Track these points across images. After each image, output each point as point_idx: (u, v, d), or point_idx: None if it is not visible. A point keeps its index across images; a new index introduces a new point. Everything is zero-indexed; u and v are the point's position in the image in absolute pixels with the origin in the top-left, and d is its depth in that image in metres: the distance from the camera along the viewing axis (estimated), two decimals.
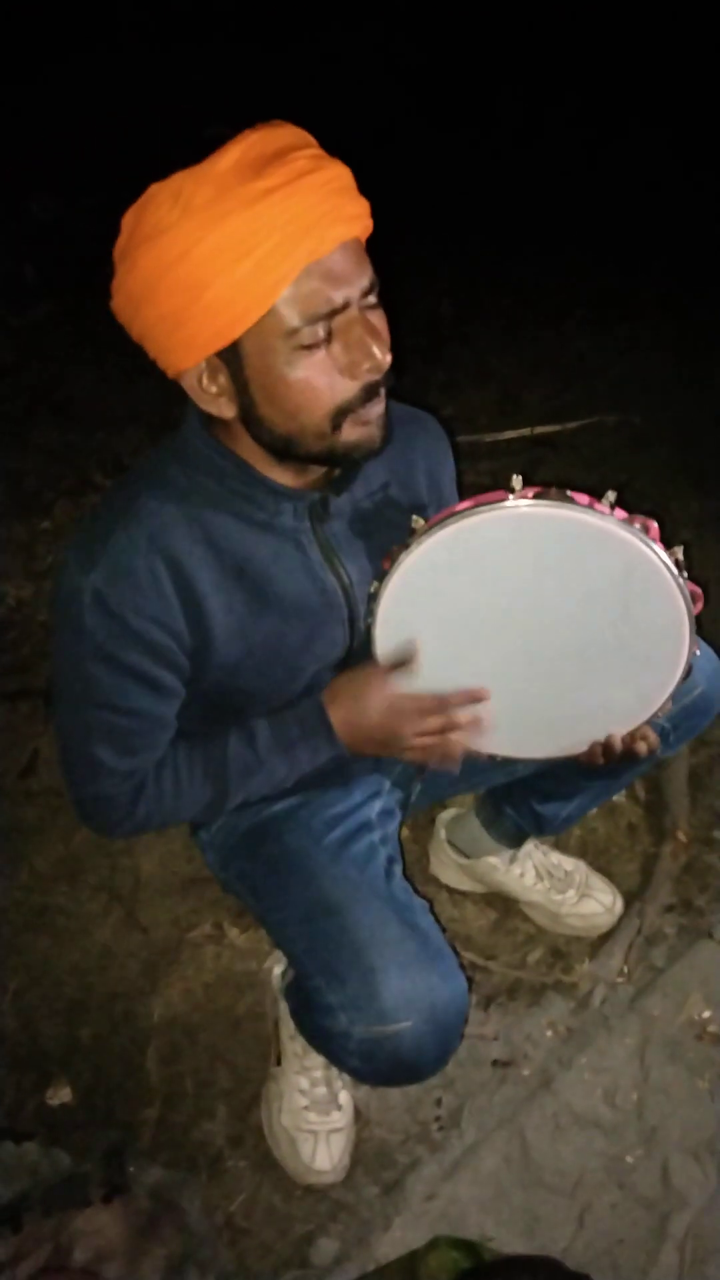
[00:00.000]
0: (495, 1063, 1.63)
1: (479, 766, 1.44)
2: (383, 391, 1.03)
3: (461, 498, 1.07)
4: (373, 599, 1.09)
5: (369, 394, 1.01)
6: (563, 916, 1.78)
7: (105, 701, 1.10)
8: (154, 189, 0.94)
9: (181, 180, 0.93)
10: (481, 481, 1.86)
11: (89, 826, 1.23)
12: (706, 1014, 1.68)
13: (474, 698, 1.14)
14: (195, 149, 0.95)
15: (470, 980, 1.72)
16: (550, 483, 1.02)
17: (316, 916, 1.20)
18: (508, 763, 1.26)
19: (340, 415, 1.01)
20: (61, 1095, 1.57)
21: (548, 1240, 1.43)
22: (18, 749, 2.06)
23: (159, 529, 1.06)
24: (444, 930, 1.75)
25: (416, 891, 1.28)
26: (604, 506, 1.01)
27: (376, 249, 1.02)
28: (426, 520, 1.05)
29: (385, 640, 1.12)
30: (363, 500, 1.18)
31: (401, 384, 1.09)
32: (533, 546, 1.03)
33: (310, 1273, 1.40)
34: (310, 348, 0.96)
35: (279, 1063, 1.55)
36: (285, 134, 0.96)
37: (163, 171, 0.96)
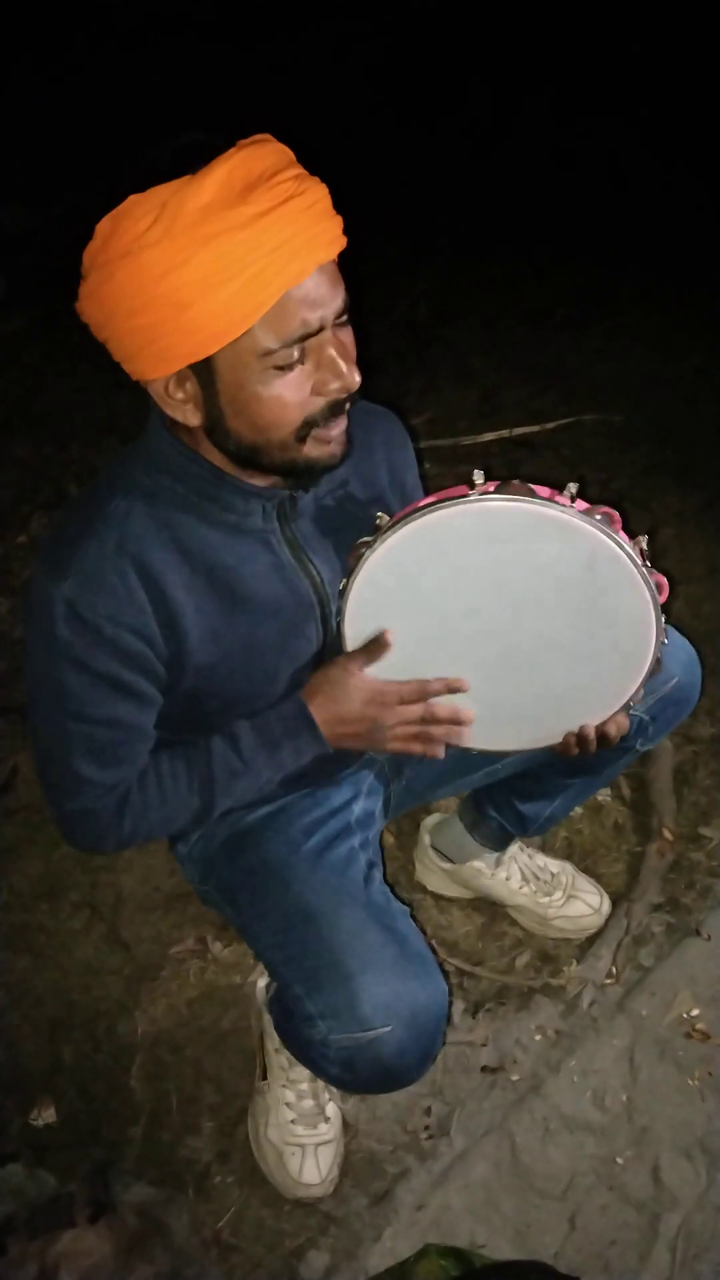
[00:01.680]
0: (484, 1069, 1.62)
1: (459, 766, 1.44)
2: (346, 409, 1.04)
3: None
4: (341, 595, 1.09)
5: (335, 410, 1.02)
6: (550, 919, 1.77)
7: (82, 712, 1.09)
8: (134, 200, 0.93)
9: (165, 196, 0.91)
10: None
11: (74, 844, 1.22)
12: (695, 1011, 1.67)
13: (452, 687, 1.14)
14: (169, 156, 0.94)
15: (458, 987, 1.72)
16: (512, 476, 1.02)
17: (295, 924, 1.19)
18: (484, 756, 1.25)
19: (306, 429, 1.02)
20: (46, 1115, 1.55)
21: (539, 1245, 1.43)
22: None
23: (128, 534, 1.06)
24: (429, 936, 1.77)
25: (398, 897, 1.27)
26: (564, 498, 1.01)
27: (351, 253, 1.02)
28: (391, 516, 1.05)
29: (355, 636, 1.13)
30: (325, 498, 1.18)
31: (380, 387, 1.09)
32: (495, 540, 1.03)
33: None
34: (284, 368, 0.97)
35: (265, 1077, 1.53)
36: (268, 152, 0.96)
37: (135, 180, 0.94)
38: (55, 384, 3.24)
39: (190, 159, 0.92)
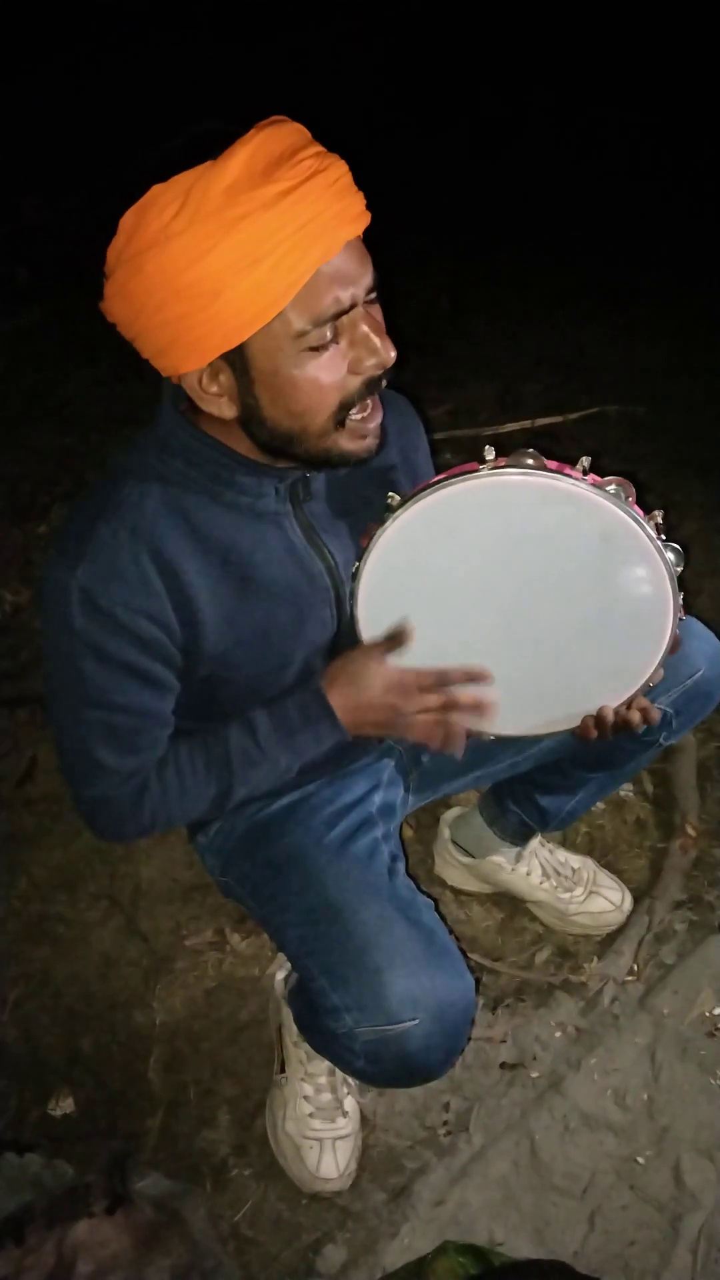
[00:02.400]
0: (503, 1065, 1.60)
1: (479, 757, 1.43)
2: (382, 387, 1.03)
3: None
4: (354, 578, 1.08)
5: (371, 388, 1.01)
6: (571, 915, 1.76)
7: (101, 700, 1.08)
8: (157, 190, 0.91)
9: (189, 183, 0.90)
10: None
11: (95, 831, 1.21)
12: (718, 1010, 1.65)
13: (472, 676, 1.12)
14: (187, 144, 0.93)
15: (477, 982, 1.70)
16: (522, 450, 1.00)
17: (319, 917, 1.18)
18: (503, 745, 1.23)
19: (344, 410, 1.01)
20: (64, 1106, 1.56)
21: (558, 1244, 1.41)
22: (15, 756, 2.05)
23: (142, 520, 1.05)
24: (450, 931, 1.76)
25: (421, 890, 1.26)
26: (576, 472, 0.99)
27: (372, 244, 1.01)
28: (402, 496, 1.04)
29: (368, 619, 1.12)
30: (337, 474, 1.16)
31: (400, 379, 1.08)
32: (506, 514, 1.02)
33: None
34: (318, 349, 0.96)
35: (283, 1070, 1.53)
36: (288, 132, 0.95)
37: (152, 169, 0.93)
38: (74, 374, 3.24)
39: (209, 146, 0.91)
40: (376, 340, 0.98)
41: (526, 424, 3.01)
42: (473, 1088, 1.57)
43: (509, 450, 0.99)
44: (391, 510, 1.03)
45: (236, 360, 0.97)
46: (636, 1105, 1.55)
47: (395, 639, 1.11)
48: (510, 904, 1.82)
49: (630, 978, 1.71)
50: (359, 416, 1.03)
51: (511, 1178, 1.47)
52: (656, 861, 1.88)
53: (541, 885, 1.76)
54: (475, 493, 1.00)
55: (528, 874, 1.76)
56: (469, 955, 1.73)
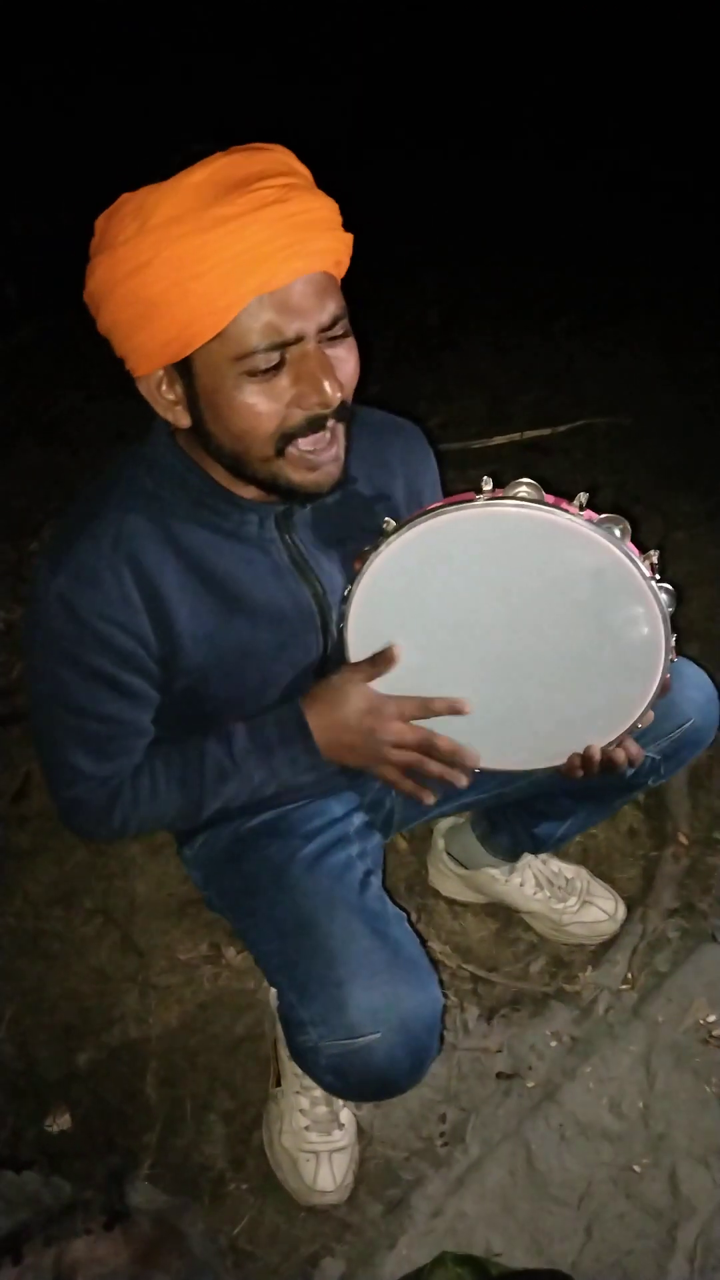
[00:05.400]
0: (499, 1075, 1.61)
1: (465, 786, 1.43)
2: (335, 429, 1.03)
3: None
4: (344, 602, 1.08)
5: (314, 424, 1.00)
6: (565, 925, 1.76)
7: (76, 706, 1.10)
8: (125, 198, 0.96)
9: (146, 195, 0.93)
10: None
11: (70, 828, 1.23)
12: (712, 1018, 1.66)
13: (454, 708, 1.11)
14: (178, 163, 0.95)
15: (471, 992, 1.72)
16: (519, 480, 0.99)
17: (288, 931, 1.18)
18: (487, 776, 1.22)
19: (284, 441, 1.01)
20: (60, 1122, 1.55)
21: (555, 1253, 1.41)
22: (9, 773, 2.05)
23: (125, 533, 1.06)
24: (443, 942, 1.76)
25: (399, 905, 1.26)
26: (573, 507, 0.98)
27: (361, 258, 1.01)
28: (397, 522, 1.03)
29: (357, 644, 1.11)
30: (326, 503, 1.15)
31: (389, 393, 1.08)
32: (501, 546, 1.01)
33: None
34: (258, 374, 0.97)
35: (279, 1083, 1.53)
36: (260, 159, 0.96)
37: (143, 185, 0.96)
38: (66, 392, 3.25)
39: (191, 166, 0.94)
40: (320, 377, 0.97)
41: (516, 436, 3.03)
42: (469, 1098, 1.58)
43: (501, 463, 0.99)
44: (386, 535, 1.02)
45: (185, 373, 0.99)
46: (632, 1114, 1.55)
47: (379, 661, 1.09)
48: (504, 914, 1.82)
49: (624, 986, 1.71)
50: (308, 448, 1.02)
51: (508, 1188, 1.48)
52: (649, 870, 1.89)
53: (535, 896, 1.76)
54: (470, 522, 0.99)
55: (521, 885, 1.76)
56: (464, 966, 1.74)
